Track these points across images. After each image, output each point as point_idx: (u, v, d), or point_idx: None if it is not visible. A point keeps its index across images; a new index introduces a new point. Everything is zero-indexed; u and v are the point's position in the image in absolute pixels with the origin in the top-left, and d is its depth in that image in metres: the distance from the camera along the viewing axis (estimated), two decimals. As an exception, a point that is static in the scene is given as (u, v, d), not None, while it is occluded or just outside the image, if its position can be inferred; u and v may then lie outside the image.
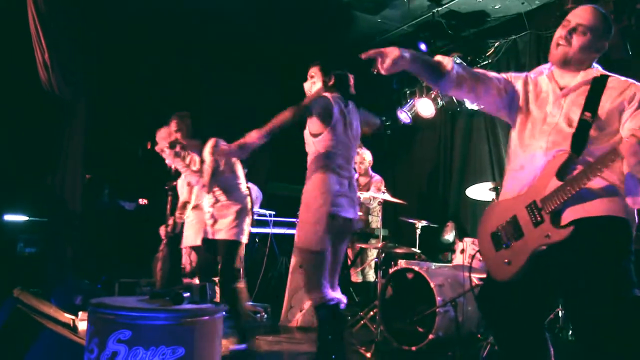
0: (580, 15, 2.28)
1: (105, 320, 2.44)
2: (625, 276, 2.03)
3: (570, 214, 2.11)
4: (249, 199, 4.50)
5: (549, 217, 2.12)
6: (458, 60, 6.21)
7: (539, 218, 2.15)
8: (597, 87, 2.22)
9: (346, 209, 3.40)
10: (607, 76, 2.25)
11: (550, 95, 2.32)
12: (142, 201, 6.72)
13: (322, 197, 3.31)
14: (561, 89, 2.31)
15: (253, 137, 3.26)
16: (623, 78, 2.26)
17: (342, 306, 3.40)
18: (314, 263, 3.29)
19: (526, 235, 2.19)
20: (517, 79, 2.46)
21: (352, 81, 3.60)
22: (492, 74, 2.46)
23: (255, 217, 6.50)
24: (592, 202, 2.10)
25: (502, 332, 2.41)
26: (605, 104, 2.18)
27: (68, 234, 5.91)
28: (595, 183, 2.08)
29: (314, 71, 3.56)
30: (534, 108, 2.36)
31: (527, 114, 2.37)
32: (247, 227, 4.37)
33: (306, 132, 3.44)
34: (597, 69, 2.31)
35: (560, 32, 2.30)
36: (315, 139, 3.38)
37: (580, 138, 2.17)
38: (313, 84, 3.56)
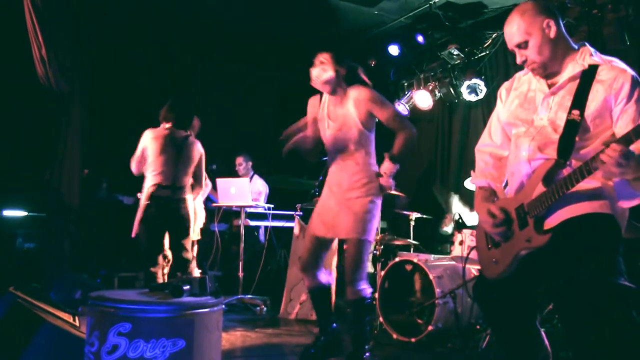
0: (510, 35, 2.17)
1: (106, 314, 2.44)
2: (610, 266, 1.96)
3: (552, 220, 2.08)
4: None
5: (532, 221, 2.10)
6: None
7: (524, 221, 2.14)
8: (585, 80, 2.08)
9: None
10: (597, 66, 2.09)
11: (537, 94, 2.22)
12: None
13: (375, 190, 3.46)
14: (549, 86, 2.20)
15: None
16: (614, 63, 2.10)
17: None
18: (367, 253, 3.39)
19: (513, 237, 2.18)
20: (500, 101, 2.42)
21: (362, 73, 3.58)
22: (498, 133, 2.42)
23: (254, 210, 6.51)
24: (574, 205, 2.05)
25: (495, 325, 2.46)
26: (593, 100, 2.05)
27: (66, 229, 5.91)
28: (579, 186, 1.99)
29: (325, 58, 3.46)
30: (520, 111, 2.26)
31: (515, 119, 2.28)
32: None
33: (354, 122, 3.42)
34: (586, 53, 2.15)
35: (517, 58, 2.20)
36: (370, 133, 3.49)
37: (567, 141, 2.07)
38: (323, 71, 3.46)
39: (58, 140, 6.12)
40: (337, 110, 3.50)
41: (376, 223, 3.48)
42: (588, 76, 2.08)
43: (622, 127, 1.99)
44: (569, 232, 2.03)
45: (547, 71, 2.17)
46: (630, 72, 2.07)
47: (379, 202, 3.48)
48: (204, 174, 5.09)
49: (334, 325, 3.64)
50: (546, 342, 2.33)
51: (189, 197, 4.78)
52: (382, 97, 3.44)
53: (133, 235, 4.62)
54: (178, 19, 6.82)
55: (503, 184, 2.43)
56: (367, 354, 3.44)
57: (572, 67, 2.13)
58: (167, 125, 4.74)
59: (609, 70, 2.07)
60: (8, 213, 6.10)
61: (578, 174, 1.93)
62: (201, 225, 5.42)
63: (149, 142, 4.64)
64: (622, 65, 2.11)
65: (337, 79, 3.45)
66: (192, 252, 4.88)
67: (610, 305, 1.89)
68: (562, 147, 2.07)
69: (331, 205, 3.49)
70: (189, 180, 4.80)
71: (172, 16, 6.75)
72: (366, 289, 3.40)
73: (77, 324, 3.30)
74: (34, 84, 5.69)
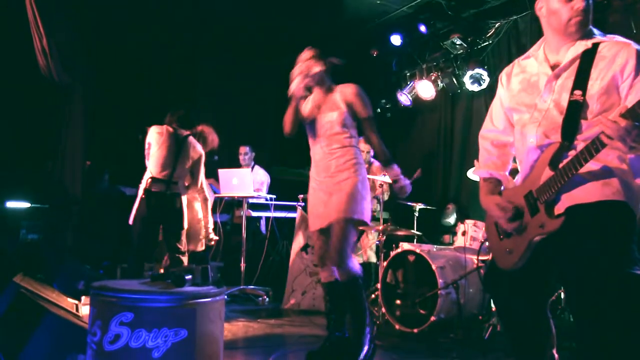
0: None
1: (108, 303, 2.44)
2: (624, 255, 1.92)
3: (563, 203, 2.04)
4: None
5: (543, 207, 2.08)
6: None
7: (535, 208, 2.12)
8: (587, 59, 2.05)
9: None
10: (598, 44, 2.06)
11: (541, 78, 2.18)
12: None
13: (363, 172, 3.54)
14: (552, 68, 2.15)
15: None
16: (616, 39, 2.08)
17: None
18: (352, 234, 3.41)
19: (524, 225, 2.16)
20: (501, 86, 2.41)
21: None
22: (500, 118, 2.41)
23: (256, 200, 6.51)
24: (585, 187, 2.01)
25: (507, 313, 2.41)
26: (597, 79, 2.01)
27: (69, 220, 5.92)
28: (589, 166, 1.95)
29: (308, 55, 3.56)
30: (524, 96, 2.23)
31: (518, 104, 2.26)
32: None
33: (339, 107, 3.50)
34: (596, 36, 2.11)
35: (574, 4, 2.06)
36: (353, 120, 3.56)
37: (571, 123, 2.03)
38: (309, 68, 3.53)
39: (60, 131, 6.12)
40: (323, 99, 3.59)
41: (368, 204, 3.48)
42: (589, 55, 2.05)
43: (632, 102, 1.90)
44: (581, 220, 1.99)
45: (576, 34, 2.10)
46: (634, 45, 2.03)
47: (367, 184, 3.54)
48: (205, 184, 5.18)
49: (346, 332, 3.54)
50: (553, 330, 2.31)
51: (184, 194, 4.86)
52: (366, 97, 3.55)
53: (130, 222, 4.70)
54: (179, 8, 6.79)
55: (507, 171, 2.41)
56: (368, 336, 3.41)
57: (575, 48, 2.10)
58: (173, 125, 4.87)
59: (611, 46, 2.04)
60: (11, 204, 6.10)
61: (586, 154, 1.90)
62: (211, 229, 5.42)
63: (153, 136, 4.76)
64: (624, 39, 2.07)
65: (321, 74, 3.55)
66: (185, 246, 4.91)
67: (624, 295, 1.87)
68: (565, 129, 2.05)
69: (321, 196, 3.53)
70: (185, 178, 4.88)
71: (173, 7, 6.72)
72: (355, 265, 3.41)
73: (79, 313, 3.31)
74: (36, 76, 5.69)
